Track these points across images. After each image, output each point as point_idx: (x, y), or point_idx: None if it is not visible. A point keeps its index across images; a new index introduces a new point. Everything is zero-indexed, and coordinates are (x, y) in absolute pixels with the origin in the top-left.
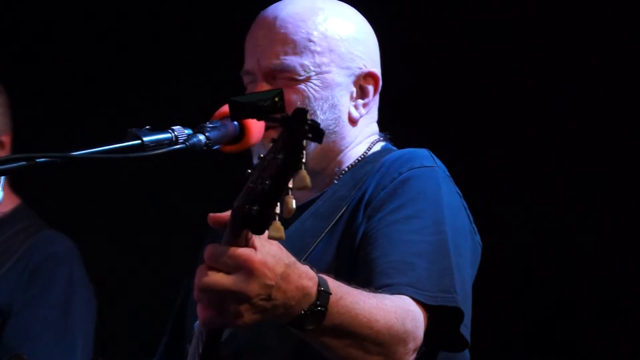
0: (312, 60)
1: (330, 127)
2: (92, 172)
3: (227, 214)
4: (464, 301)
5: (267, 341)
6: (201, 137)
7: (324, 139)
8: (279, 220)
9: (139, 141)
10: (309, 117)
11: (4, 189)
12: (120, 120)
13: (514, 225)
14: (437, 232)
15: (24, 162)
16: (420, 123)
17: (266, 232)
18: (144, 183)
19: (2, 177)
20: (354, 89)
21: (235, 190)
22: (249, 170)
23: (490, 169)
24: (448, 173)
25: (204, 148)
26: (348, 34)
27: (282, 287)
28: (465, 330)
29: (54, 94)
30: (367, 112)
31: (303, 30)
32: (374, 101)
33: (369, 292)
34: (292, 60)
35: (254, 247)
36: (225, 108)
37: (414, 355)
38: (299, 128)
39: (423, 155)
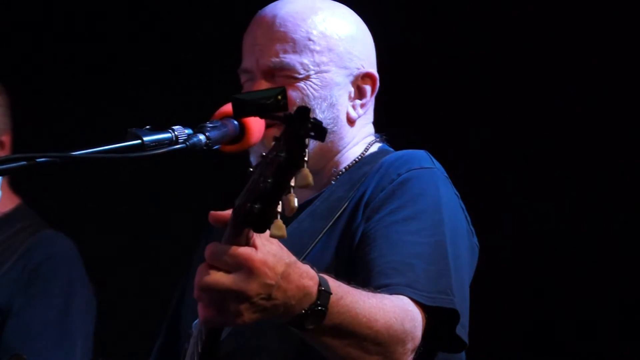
0: (311, 59)
1: (329, 127)
2: (92, 172)
3: (228, 212)
4: (461, 303)
5: (267, 340)
6: (201, 136)
7: None
8: (281, 218)
9: (139, 141)
10: (311, 115)
11: (3, 189)
12: (121, 120)
13: (511, 226)
14: (435, 233)
15: (24, 162)
16: (418, 123)
17: (267, 231)
18: (144, 183)
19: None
20: (352, 89)
21: (235, 189)
22: (251, 169)
23: (488, 170)
24: (446, 174)
25: (204, 148)
26: (347, 34)
27: (283, 287)
28: (463, 331)
29: (54, 94)
30: (364, 113)
31: (303, 29)
32: (371, 102)
33: (369, 292)
34: (291, 58)
35: (254, 246)
36: (226, 108)
37: (412, 355)
38: (302, 126)
39: (421, 157)
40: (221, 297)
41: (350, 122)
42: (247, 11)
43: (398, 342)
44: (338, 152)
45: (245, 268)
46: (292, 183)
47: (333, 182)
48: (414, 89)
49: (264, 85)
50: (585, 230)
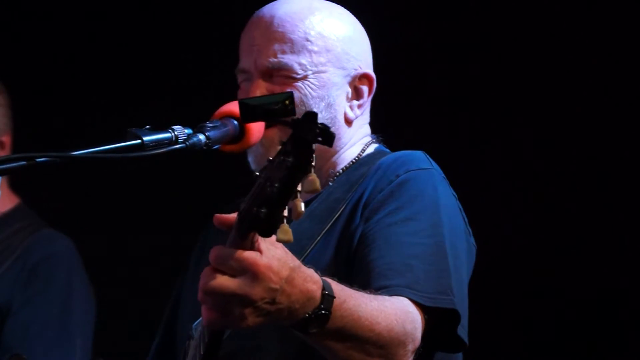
0: (309, 60)
1: None
2: (92, 172)
3: (233, 215)
4: (461, 303)
5: (267, 341)
6: (201, 136)
7: None
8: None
9: (139, 141)
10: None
11: (3, 189)
12: (120, 119)
13: (508, 227)
14: (434, 234)
15: (24, 162)
16: (416, 124)
17: (272, 235)
18: (144, 183)
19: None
20: (350, 90)
21: (235, 189)
22: (257, 173)
23: (485, 171)
24: (444, 175)
25: (204, 148)
26: (344, 34)
27: (287, 291)
28: (463, 331)
29: (54, 94)
30: (361, 114)
31: (300, 30)
32: (367, 103)
33: (370, 294)
34: (289, 58)
35: (259, 250)
36: (226, 107)
37: (412, 357)
38: (309, 131)
39: (419, 158)
40: (225, 300)
41: (348, 122)
42: (247, 11)
43: (399, 344)
44: (335, 152)
45: (250, 272)
46: (299, 188)
47: (330, 184)
48: (412, 90)
49: (261, 85)
50: (584, 230)
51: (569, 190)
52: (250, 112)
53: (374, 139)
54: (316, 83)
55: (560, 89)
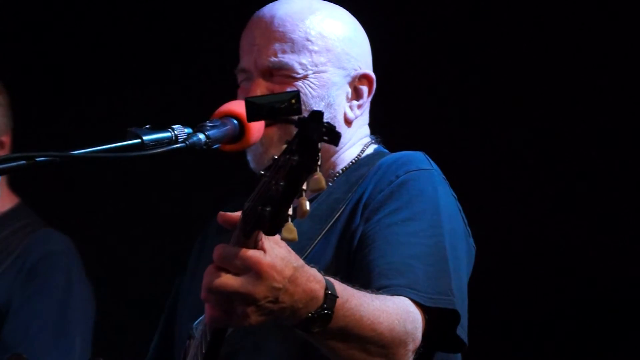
0: (309, 59)
1: None
2: (92, 171)
3: (237, 214)
4: (461, 303)
5: (268, 340)
6: (201, 136)
7: None
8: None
9: (139, 140)
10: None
11: (2, 188)
12: (121, 119)
13: (508, 227)
14: (434, 234)
15: (24, 161)
16: (415, 125)
17: (276, 234)
18: (143, 182)
19: None
20: (349, 90)
21: (234, 189)
22: (262, 172)
23: (485, 171)
24: (444, 176)
25: (204, 147)
26: (344, 35)
27: (290, 290)
28: (462, 331)
29: (54, 94)
30: (361, 114)
31: (301, 30)
32: (367, 103)
33: (371, 293)
34: (290, 58)
35: (263, 249)
36: (226, 107)
37: (412, 356)
38: (315, 130)
39: (419, 158)
40: (228, 299)
41: (348, 122)
42: (247, 11)
43: (400, 343)
44: (335, 153)
45: (254, 271)
46: (304, 187)
47: (330, 184)
48: (412, 90)
49: (262, 84)
50: (584, 230)
51: (569, 190)
52: (256, 110)
53: (373, 139)
54: (316, 83)
55: (560, 89)
